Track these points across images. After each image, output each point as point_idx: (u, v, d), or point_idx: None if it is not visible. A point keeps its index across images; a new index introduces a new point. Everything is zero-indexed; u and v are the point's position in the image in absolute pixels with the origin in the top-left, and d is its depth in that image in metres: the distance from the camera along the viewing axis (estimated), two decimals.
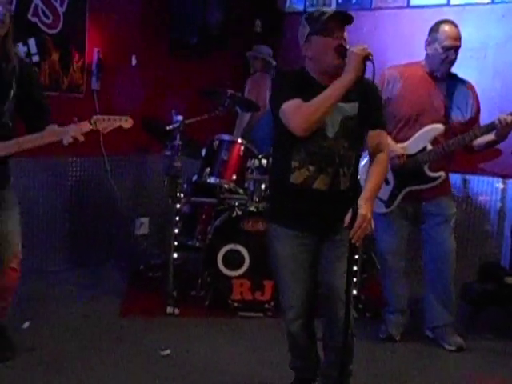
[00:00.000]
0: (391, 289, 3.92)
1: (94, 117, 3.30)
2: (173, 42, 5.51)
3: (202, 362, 3.52)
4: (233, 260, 4.24)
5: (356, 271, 4.12)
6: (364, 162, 3.79)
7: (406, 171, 3.66)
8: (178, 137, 4.26)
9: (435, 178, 3.67)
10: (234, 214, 4.28)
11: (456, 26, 3.59)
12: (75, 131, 3.22)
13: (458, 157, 3.86)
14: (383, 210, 3.76)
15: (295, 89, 2.60)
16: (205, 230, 4.59)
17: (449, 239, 3.78)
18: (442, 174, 3.66)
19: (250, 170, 4.47)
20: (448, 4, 5.17)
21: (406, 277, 3.91)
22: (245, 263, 4.25)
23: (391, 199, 3.72)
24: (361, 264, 4.36)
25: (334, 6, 5.73)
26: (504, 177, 4.90)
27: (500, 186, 4.93)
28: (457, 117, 3.65)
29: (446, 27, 3.56)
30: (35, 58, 4.65)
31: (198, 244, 4.62)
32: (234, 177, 4.49)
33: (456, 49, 3.56)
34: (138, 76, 5.35)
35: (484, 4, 5.00)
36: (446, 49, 3.54)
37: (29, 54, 4.60)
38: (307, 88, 2.61)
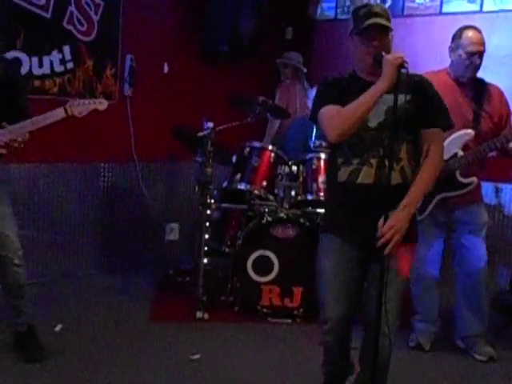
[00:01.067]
0: (421, 298, 3.87)
1: (69, 102, 3.30)
2: (204, 50, 5.56)
3: (231, 366, 3.53)
4: (262, 266, 4.25)
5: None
6: None
7: (438, 178, 3.62)
8: (209, 143, 4.28)
9: (467, 184, 3.62)
10: (264, 221, 4.29)
11: (479, 31, 3.56)
12: (50, 118, 3.22)
13: (490, 165, 3.83)
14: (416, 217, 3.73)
15: (334, 94, 2.61)
16: (234, 235, 4.61)
17: (480, 248, 3.73)
18: (474, 179, 3.62)
19: (280, 177, 4.48)
20: (481, 11, 5.12)
21: (437, 286, 3.87)
22: (274, 269, 4.25)
23: (423, 207, 3.68)
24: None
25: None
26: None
27: None
28: (486, 122, 3.62)
29: (469, 33, 3.54)
30: (69, 65, 4.72)
31: (227, 250, 4.63)
32: (264, 183, 4.51)
33: (480, 54, 3.53)
34: (169, 83, 5.40)
35: None
36: (470, 54, 3.52)
37: (63, 61, 4.68)
38: (352, 87, 2.61)
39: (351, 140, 2.60)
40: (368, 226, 2.57)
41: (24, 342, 3.47)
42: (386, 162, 2.54)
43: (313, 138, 4.65)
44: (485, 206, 3.91)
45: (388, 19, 2.60)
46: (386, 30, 2.59)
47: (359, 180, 2.61)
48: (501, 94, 3.70)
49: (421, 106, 2.62)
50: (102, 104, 3.38)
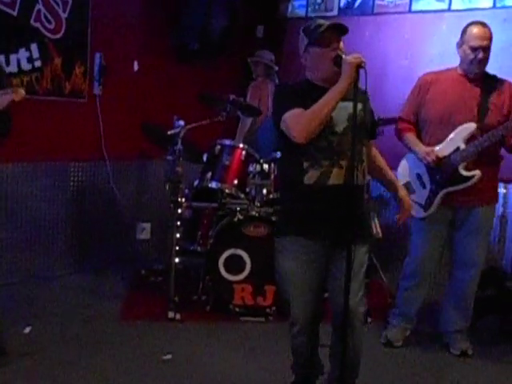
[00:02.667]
0: (406, 293, 3.88)
1: None
2: (175, 48, 5.53)
3: (204, 366, 3.51)
4: (234, 265, 4.24)
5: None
6: (401, 164, 3.85)
7: (442, 173, 3.63)
8: (179, 142, 4.26)
9: (470, 178, 3.59)
10: (236, 219, 4.28)
11: (485, 26, 3.57)
12: None
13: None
14: (421, 214, 3.74)
15: (295, 99, 2.67)
16: (206, 234, 4.59)
17: (477, 251, 3.74)
18: (476, 172, 3.57)
19: (251, 175, 4.46)
20: (449, 9, 5.17)
21: (427, 285, 3.86)
22: (246, 268, 4.24)
23: (428, 203, 3.70)
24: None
25: (335, 12, 5.75)
26: (506, 182, 4.87)
27: (502, 190, 4.91)
28: (494, 115, 3.59)
29: (473, 29, 3.57)
30: (37, 63, 4.65)
31: (199, 249, 4.61)
32: (236, 181, 4.49)
33: (484, 48, 3.54)
34: (139, 81, 5.36)
35: (485, 9, 5.00)
36: (474, 49, 3.54)
37: (31, 59, 4.61)
38: (310, 94, 2.67)
39: (319, 144, 2.66)
40: (335, 223, 2.68)
41: None
42: (355, 164, 2.65)
43: None
44: (493, 210, 3.86)
45: None
46: (340, 34, 2.70)
47: (330, 182, 2.68)
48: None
49: (366, 116, 2.77)
50: (17, 94, 3.18)
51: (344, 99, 2.61)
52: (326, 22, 2.71)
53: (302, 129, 2.59)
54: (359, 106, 2.64)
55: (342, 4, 5.77)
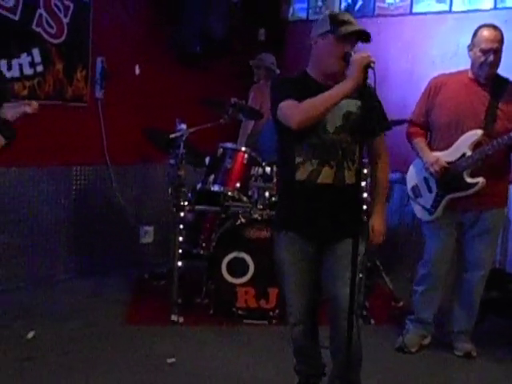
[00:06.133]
0: (421, 297, 3.86)
1: (4, 105, 3.26)
2: (176, 51, 5.53)
3: (207, 369, 3.51)
4: (237, 268, 4.24)
5: (361, 279, 4.09)
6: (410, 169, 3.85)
7: (448, 179, 3.62)
8: (181, 145, 4.26)
9: (473, 185, 3.57)
10: (238, 222, 4.28)
11: (496, 28, 3.55)
12: None
13: None
14: (427, 217, 3.74)
15: (292, 91, 2.66)
16: (209, 237, 4.59)
17: (484, 251, 3.73)
18: (480, 180, 3.56)
19: (253, 178, 4.47)
20: (450, 11, 5.17)
21: (441, 289, 3.84)
22: (249, 271, 4.24)
23: (433, 207, 3.69)
24: (366, 271, 4.34)
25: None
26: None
27: None
28: (502, 122, 3.56)
29: (484, 31, 3.55)
30: (39, 68, 4.66)
31: (202, 252, 4.61)
32: (238, 185, 4.49)
33: (495, 51, 3.52)
34: (141, 85, 5.37)
35: (486, 10, 4.99)
36: (484, 51, 3.52)
37: (33, 64, 4.62)
38: (306, 88, 2.67)
39: (312, 140, 2.68)
40: (324, 221, 2.74)
41: None
42: (345, 164, 2.70)
43: None
44: (502, 214, 3.83)
45: None
46: (364, 39, 2.67)
47: (319, 180, 2.70)
48: None
49: (368, 113, 2.67)
50: (30, 107, 3.29)
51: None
52: (354, 22, 2.67)
53: (298, 114, 2.57)
54: (357, 103, 2.64)
55: (342, 6, 5.78)
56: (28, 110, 3.25)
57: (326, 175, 2.69)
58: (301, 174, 2.71)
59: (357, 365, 2.80)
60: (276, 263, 2.93)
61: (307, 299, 2.85)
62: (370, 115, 2.67)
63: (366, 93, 2.59)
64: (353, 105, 2.68)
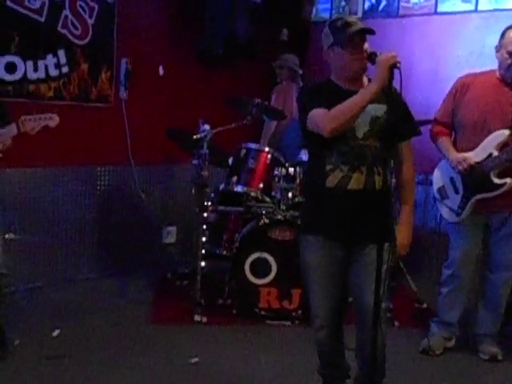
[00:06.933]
0: (446, 299, 3.82)
1: (22, 117, 3.27)
2: (200, 52, 5.55)
3: (230, 369, 3.52)
4: (260, 268, 4.24)
5: (388, 286, 4.05)
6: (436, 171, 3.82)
7: (474, 179, 3.58)
8: (205, 146, 4.27)
9: (501, 185, 3.53)
10: (261, 223, 4.28)
11: None
12: (3, 135, 3.20)
13: None
14: (454, 219, 3.71)
15: (320, 99, 2.66)
16: (232, 238, 4.59)
17: (509, 254, 3.68)
18: (507, 180, 3.52)
19: (276, 179, 4.46)
20: (476, 10, 5.12)
21: (467, 291, 3.79)
22: (272, 271, 4.24)
23: (460, 208, 3.66)
24: (390, 273, 4.30)
25: (360, 15, 5.72)
26: None
27: None
28: None
29: (511, 33, 3.51)
30: (64, 69, 4.71)
31: (224, 252, 4.62)
32: (261, 185, 4.49)
33: None
34: (165, 86, 5.40)
35: None
36: (511, 54, 3.48)
37: (58, 65, 4.66)
38: (333, 96, 2.65)
39: (341, 148, 2.68)
40: (353, 226, 2.72)
41: None
42: (375, 169, 2.69)
43: None
44: None
45: None
46: (365, 35, 2.66)
47: (349, 186, 2.69)
48: None
49: (395, 117, 2.65)
50: (53, 120, 3.33)
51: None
52: (353, 21, 2.65)
53: (329, 122, 2.57)
54: (383, 107, 2.62)
55: (366, 7, 5.76)
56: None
57: (356, 181, 2.67)
58: (331, 181, 2.70)
59: (381, 370, 2.78)
60: (302, 266, 2.91)
61: (333, 303, 2.83)
62: (397, 120, 2.64)
63: (392, 97, 2.57)
64: (379, 109, 2.67)
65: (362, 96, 2.55)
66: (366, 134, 2.68)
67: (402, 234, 2.85)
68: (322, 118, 2.61)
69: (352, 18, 2.71)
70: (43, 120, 3.28)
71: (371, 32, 2.66)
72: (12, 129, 3.22)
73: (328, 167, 2.70)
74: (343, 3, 5.90)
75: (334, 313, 2.84)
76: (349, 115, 2.56)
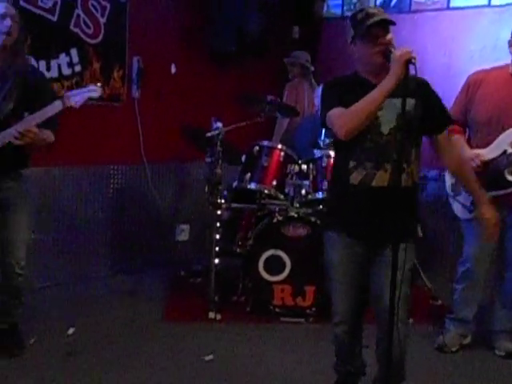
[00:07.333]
0: (461, 296, 3.80)
1: (66, 93, 3.32)
2: (212, 50, 5.55)
3: (245, 367, 3.52)
4: (274, 265, 4.24)
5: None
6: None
7: (488, 176, 3.54)
8: (218, 144, 4.28)
9: None
10: (275, 220, 4.27)
11: None
12: (51, 111, 3.23)
13: None
14: (467, 215, 3.68)
15: (340, 96, 2.63)
16: (245, 235, 4.59)
17: None
18: None
19: (290, 176, 4.46)
20: (489, 5, 5.09)
21: (482, 288, 3.77)
22: (286, 269, 4.24)
23: (473, 204, 3.60)
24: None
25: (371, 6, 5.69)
26: None
27: None
28: None
29: None
30: (77, 68, 4.72)
31: (238, 250, 4.61)
32: (275, 182, 4.48)
33: None
34: (177, 84, 5.40)
35: None
36: None
37: (71, 64, 4.67)
38: (357, 88, 2.62)
39: (365, 144, 2.64)
40: (377, 223, 2.67)
41: (5, 339, 3.50)
42: (401, 166, 2.59)
43: (322, 137, 4.63)
44: None
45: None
46: (387, 26, 2.62)
47: (373, 183, 2.66)
48: None
49: (427, 110, 2.67)
50: (95, 91, 3.36)
51: (393, 95, 2.52)
52: (374, 12, 2.62)
53: (344, 124, 2.56)
54: (411, 101, 2.58)
55: (378, 2, 5.73)
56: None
57: (380, 178, 2.64)
58: (354, 178, 2.67)
59: (399, 373, 2.77)
60: (325, 262, 2.91)
61: (353, 301, 2.81)
62: (428, 112, 2.63)
63: (423, 88, 2.56)
64: (408, 104, 2.55)
65: (377, 93, 2.52)
66: (392, 129, 2.63)
67: (489, 212, 3.01)
68: (337, 120, 2.59)
69: (373, 9, 2.68)
70: (87, 92, 3.32)
71: (391, 23, 2.62)
72: (57, 105, 3.25)
73: (352, 164, 2.67)
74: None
75: (353, 310, 2.84)
76: (364, 115, 2.52)
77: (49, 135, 3.36)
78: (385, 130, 2.64)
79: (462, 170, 2.98)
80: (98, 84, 3.45)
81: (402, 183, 2.60)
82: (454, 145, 2.88)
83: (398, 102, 2.50)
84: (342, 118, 2.57)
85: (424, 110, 2.68)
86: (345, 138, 2.58)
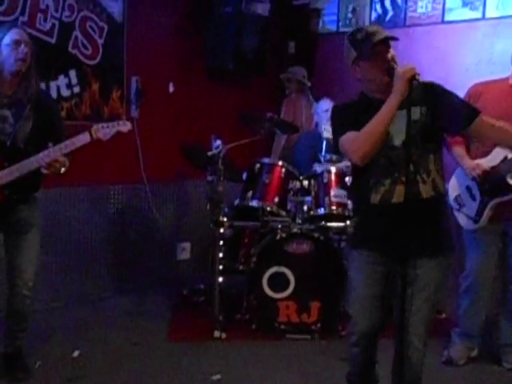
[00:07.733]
0: (466, 310, 3.81)
1: (94, 126, 3.35)
2: (209, 68, 5.57)
3: None
4: (278, 282, 4.23)
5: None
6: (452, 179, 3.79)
7: (490, 183, 3.57)
8: (219, 162, 4.28)
9: None
10: (278, 237, 4.28)
11: None
12: (78, 142, 3.27)
13: None
14: (472, 226, 3.69)
15: (349, 120, 2.63)
16: (248, 253, 4.58)
17: None
18: None
19: (291, 192, 4.47)
20: (483, 18, 5.12)
21: (486, 300, 3.77)
22: (290, 285, 4.23)
23: (478, 214, 3.64)
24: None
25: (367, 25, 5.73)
26: None
27: None
28: None
29: None
30: (76, 89, 4.73)
31: (241, 267, 4.61)
32: (276, 199, 4.48)
33: None
34: (176, 103, 5.41)
35: None
36: None
37: (70, 86, 4.69)
38: (366, 109, 2.61)
39: (379, 161, 2.62)
40: (400, 239, 2.54)
41: (10, 363, 3.49)
42: (419, 177, 2.59)
43: (323, 152, 4.64)
44: None
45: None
46: (389, 43, 2.60)
47: (394, 200, 2.62)
48: None
49: (443, 109, 2.61)
50: (125, 125, 3.43)
51: (400, 107, 2.50)
52: (375, 30, 2.60)
53: (358, 150, 2.56)
54: (417, 109, 2.57)
55: (373, 17, 5.77)
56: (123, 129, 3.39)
57: (399, 194, 2.59)
58: (374, 197, 2.65)
59: None
60: (349, 280, 2.89)
61: (372, 322, 2.78)
62: (445, 111, 2.59)
63: (435, 92, 2.55)
64: (416, 112, 2.58)
65: (383, 113, 2.52)
66: (403, 141, 2.59)
67: None
68: (350, 145, 2.59)
69: (372, 27, 2.66)
70: (116, 126, 3.38)
71: (394, 39, 2.61)
72: (85, 137, 3.29)
73: (371, 182, 2.65)
74: (350, 15, 5.91)
75: (372, 330, 2.80)
76: (375, 137, 2.52)
77: (66, 162, 3.38)
78: (397, 142, 2.61)
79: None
80: (128, 122, 3.50)
81: (423, 195, 2.59)
82: (495, 123, 2.71)
83: (405, 113, 2.49)
84: (356, 143, 2.56)
85: (440, 111, 2.61)
86: (361, 163, 2.58)
